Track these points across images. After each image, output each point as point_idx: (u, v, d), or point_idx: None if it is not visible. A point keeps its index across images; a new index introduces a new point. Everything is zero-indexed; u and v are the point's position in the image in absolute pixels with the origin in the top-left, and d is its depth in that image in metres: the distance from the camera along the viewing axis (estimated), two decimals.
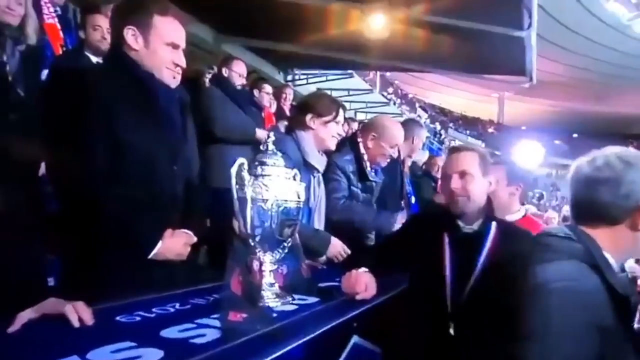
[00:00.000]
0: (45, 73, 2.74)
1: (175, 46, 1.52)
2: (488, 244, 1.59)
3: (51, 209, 1.97)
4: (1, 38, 1.68)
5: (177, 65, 1.53)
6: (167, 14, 1.51)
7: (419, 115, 20.19)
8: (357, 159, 2.42)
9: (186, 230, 1.51)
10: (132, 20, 1.48)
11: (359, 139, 2.47)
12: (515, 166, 2.27)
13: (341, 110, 2.18)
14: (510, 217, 2.07)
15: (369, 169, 2.44)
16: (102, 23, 2.80)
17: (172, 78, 1.54)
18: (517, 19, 4.97)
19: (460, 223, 1.62)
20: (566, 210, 8.14)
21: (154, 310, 1.20)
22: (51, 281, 1.57)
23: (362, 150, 2.44)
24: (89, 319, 1.05)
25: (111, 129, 1.39)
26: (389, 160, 2.52)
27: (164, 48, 1.50)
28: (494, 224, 1.63)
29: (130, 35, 1.47)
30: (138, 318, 1.14)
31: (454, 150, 1.76)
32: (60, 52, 3.16)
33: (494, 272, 1.29)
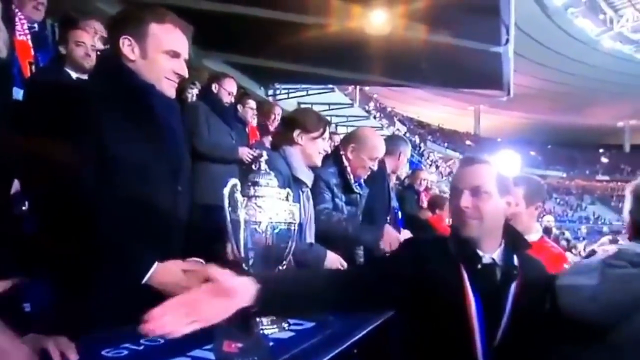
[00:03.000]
0: (17, 90, 2.65)
1: (175, 54, 1.43)
2: (516, 277, 1.31)
3: (26, 229, 1.87)
4: None
5: (178, 74, 1.44)
6: (165, 22, 1.42)
7: (397, 129, 20.42)
8: (340, 172, 2.40)
9: (197, 259, 1.37)
10: (127, 30, 1.40)
11: (341, 152, 2.46)
12: (534, 184, 2.16)
13: (328, 127, 2.18)
14: (528, 239, 2.04)
15: (352, 181, 2.42)
16: (85, 39, 2.73)
17: (172, 88, 1.45)
18: (494, 35, 5.08)
19: (480, 252, 1.31)
20: (547, 220, 8.28)
21: (142, 342, 1.13)
22: (27, 307, 1.48)
23: (345, 162, 2.43)
24: (73, 357, 0.97)
25: (102, 146, 1.28)
26: (369, 172, 2.48)
27: (162, 57, 1.41)
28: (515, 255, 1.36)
29: (126, 45, 1.39)
30: (125, 352, 1.07)
31: (466, 161, 1.45)
32: (29, 70, 3.06)
33: (531, 309, 1.25)
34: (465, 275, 1.28)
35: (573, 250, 8.34)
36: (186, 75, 1.46)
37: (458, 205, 1.33)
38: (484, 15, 4.74)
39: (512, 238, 1.38)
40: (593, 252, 5.28)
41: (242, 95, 4.26)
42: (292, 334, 1.23)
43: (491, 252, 1.33)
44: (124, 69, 1.39)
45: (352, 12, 4.96)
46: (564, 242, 8.69)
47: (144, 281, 1.25)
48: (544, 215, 8.55)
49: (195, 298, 0.91)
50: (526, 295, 1.29)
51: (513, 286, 1.30)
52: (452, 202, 1.40)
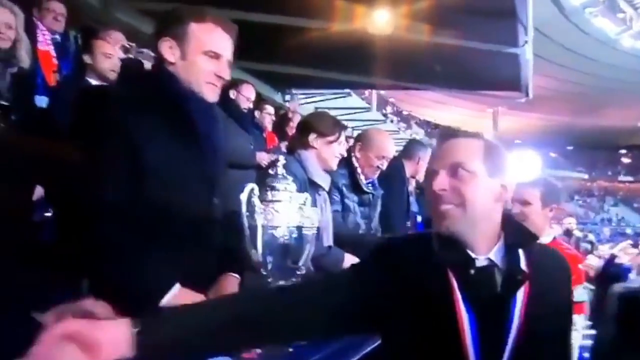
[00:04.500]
0: (40, 99, 2.70)
1: (216, 55, 1.33)
2: (522, 282, 0.99)
3: (48, 235, 1.89)
4: None
5: (219, 77, 1.34)
6: (205, 21, 1.33)
7: (415, 132, 20.30)
8: (350, 173, 2.39)
9: (234, 274, 1.32)
10: (168, 31, 1.32)
11: (351, 153, 2.46)
12: (550, 185, 2.11)
13: (343, 131, 2.17)
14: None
15: (363, 181, 2.40)
16: (112, 51, 2.77)
17: (213, 93, 1.35)
18: (512, 36, 5.00)
19: (470, 253, 0.99)
20: (568, 222, 8.08)
21: None
22: None
23: (355, 163, 2.41)
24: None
25: (136, 155, 1.22)
26: (378, 171, 2.46)
27: (201, 58, 1.32)
28: (521, 253, 1.03)
29: (167, 47, 1.31)
30: None
31: (443, 135, 1.17)
32: (53, 79, 3.12)
33: (549, 321, 0.98)
34: (455, 284, 0.97)
35: (594, 253, 8.11)
36: (228, 77, 1.37)
37: (432, 190, 1.02)
38: (502, 17, 4.67)
39: (514, 231, 1.06)
40: (614, 257, 5.12)
41: (260, 101, 4.27)
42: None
43: (486, 252, 1.01)
44: (163, 73, 1.32)
45: (367, 16, 4.93)
46: (587, 245, 8.46)
47: (161, 303, 1.18)
48: (564, 218, 8.35)
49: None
50: (541, 303, 0.99)
51: (520, 294, 0.98)
52: (426, 189, 1.08)
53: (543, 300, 1.00)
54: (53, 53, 3.35)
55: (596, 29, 24.74)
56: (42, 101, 2.79)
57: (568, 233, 7.26)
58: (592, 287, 4.50)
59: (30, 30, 2.94)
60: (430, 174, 1.04)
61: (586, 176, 37.56)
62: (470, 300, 0.96)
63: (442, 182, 1.01)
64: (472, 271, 0.98)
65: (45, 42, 3.33)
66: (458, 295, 0.96)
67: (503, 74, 5.92)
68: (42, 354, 0.68)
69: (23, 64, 2.05)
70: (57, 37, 3.44)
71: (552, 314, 1.01)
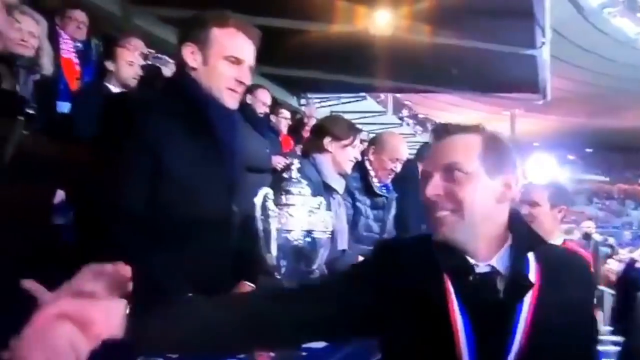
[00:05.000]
0: (62, 104, 2.76)
1: (237, 61, 1.32)
2: (527, 289, 0.91)
3: (67, 239, 1.92)
4: (15, 68, 1.67)
5: (240, 82, 1.33)
6: (228, 25, 1.31)
7: None
8: (362, 176, 2.38)
9: (249, 283, 1.31)
10: (190, 37, 1.31)
11: (364, 156, 2.45)
12: (558, 186, 2.12)
13: (358, 134, 2.16)
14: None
15: (376, 184, 2.37)
16: (135, 59, 2.82)
17: (233, 99, 1.34)
18: (529, 38, 4.93)
19: (469, 259, 0.92)
20: (587, 226, 7.89)
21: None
22: None
23: (368, 166, 2.40)
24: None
25: (157, 160, 1.22)
26: (392, 174, 2.44)
27: (222, 63, 1.30)
28: (531, 256, 0.93)
29: (189, 53, 1.31)
30: None
31: (437, 133, 1.02)
32: (76, 85, 3.19)
33: (562, 332, 0.87)
34: (452, 290, 0.90)
35: (615, 257, 7.91)
36: (249, 82, 1.36)
37: (425, 196, 0.94)
38: (519, 18, 4.61)
39: (521, 233, 0.96)
40: (634, 261, 4.99)
41: (275, 105, 4.30)
42: (325, 343, 1.19)
43: (489, 257, 0.93)
44: (184, 78, 1.32)
45: (384, 19, 4.91)
46: (606, 249, 8.26)
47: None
48: (583, 221, 8.17)
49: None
50: (553, 312, 0.89)
51: (526, 302, 0.89)
52: (421, 194, 0.98)
53: (556, 309, 0.90)
54: (76, 60, 3.43)
55: (615, 29, 24.22)
56: (65, 107, 2.86)
57: (587, 237, 7.10)
58: (613, 291, 4.40)
59: (54, 38, 3.01)
60: (424, 177, 0.97)
61: (606, 178, 36.75)
62: (468, 309, 0.89)
63: (435, 186, 0.93)
64: (471, 278, 0.91)
65: (68, 50, 3.41)
66: (454, 303, 0.89)
67: (520, 75, 5.85)
68: (37, 332, 0.68)
69: (46, 72, 2.09)
70: (79, 45, 3.52)
71: (568, 325, 0.90)
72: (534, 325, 0.88)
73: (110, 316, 0.75)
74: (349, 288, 0.96)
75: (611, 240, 9.36)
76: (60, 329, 0.69)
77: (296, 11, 4.78)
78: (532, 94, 6.68)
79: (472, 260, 0.93)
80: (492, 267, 0.93)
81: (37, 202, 1.43)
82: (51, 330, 0.69)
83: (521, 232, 0.97)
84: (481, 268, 0.93)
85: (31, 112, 1.53)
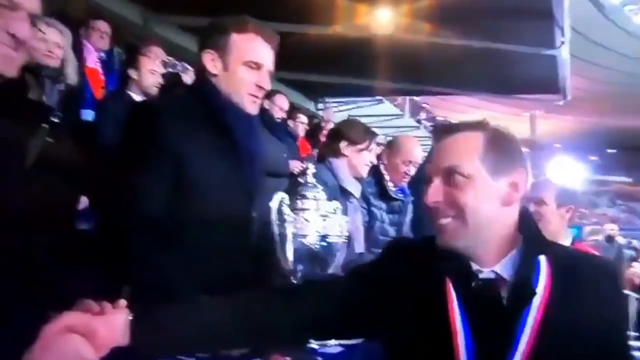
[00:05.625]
0: (85, 112, 2.83)
1: (257, 66, 1.31)
2: (535, 302, 0.84)
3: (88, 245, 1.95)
4: (41, 78, 1.71)
5: (260, 87, 1.32)
6: (247, 31, 1.30)
7: None
8: (377, 180, 2.36)
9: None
10: (210, 43, 1.31)
11: (379, 160, 2.43)
12: (566, 185, 2.05)
13: (374, 138, 2.15)
14: None
15: (391, 187, 2.35)
16: (157, 68, 2.88)
17: (253, 105, 1.34)
18: (548, 38, 4.84)
19: (473, 265, 0.88)
20: (610, 228, 7.69)
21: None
22: None
23: (383, 170, 2.38)
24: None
25: (179, 167, 1.23)
26: (406, 177, 2.39)
27: (242, 69, 1.30)
28: (543, 260, 0.88)
29: (209, 59, 1.31)
30: None
31: (437, 134, 0.97)
32: (102, 94, 3.26)
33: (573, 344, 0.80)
34: (454, 296, 0.86)
35: (639, 260, 7.68)
36: (269, 87, 1.35)
37: (425, 203, 0.90)
38: (538, 19, 4.53)
39: (530, 236, 0.89)
40: None
41: (293, 110, 4.32)
42: (341, 348, 1.18)
43: (494, 263, 0.87)
44: (205, 85, 1.32)
45: (396, 22, 4.88)
46: (630, 252, 8.02)
47: None
48: (606, 223, 7.96)
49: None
50: (566, 321, 0.83)
51: (533, 310, 0.83)
52: (423, 200, 0.94)
53: (571, 318, 0.83)
54: (100, 69, 3.51)
55: (637, 27, 23.60)
56: (90, 115, 2.92)
57: (610, 239, 6.91)
58: (638, 295, 4.27)
59: (78, 48, 3.09)
60: (426, 182, 0.91)
61: (629, 179, 35.73)
62: (469, 315, 0.85)
63: (435, 192, 0.88)
64: (473, 284, 0.86)
65: (93, 60, 3.49)
66: (455, 308, 0.85)
67: (540, 76, 5.76)
68: (46, 344, 0.71)
69: (71, 81, 2.14)
70: (103, 54, 3.60)
71: (587, 334, 0.83)
72: (542, 333, 0.82)
73: (113, 326, 0.78)
74: (354, 287, 0.94)
75: (635, 243, 9.08)
76: (67, 340, 0.72)
77: (312, 16, 4.79)
78: (552, 94, 6.57)
79: (476, 266, 0.88)
80: (496, 273, 0.87)
81: (60, 208, 1.46)
82: (59, 342, 0.71)
83: (531, 235, 0.90)
84: (485, 274, 0.88)
85: (55, 120, 1.56)
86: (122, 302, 0.82)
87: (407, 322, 0.89)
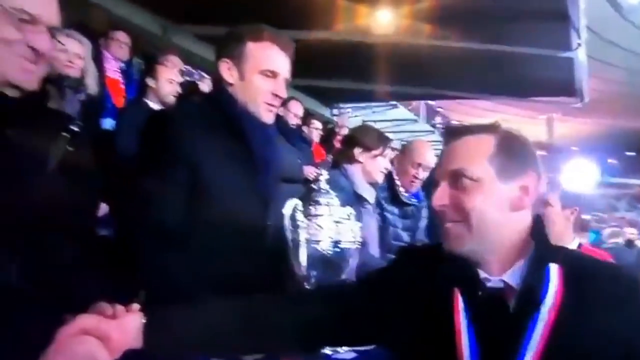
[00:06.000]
0: (106, 121, 2.88)
1: (272, 74, 1.31)
2: (544, 313, 0.81)
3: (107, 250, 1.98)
4: (62, 88, 1.75)
5: (276, 96, 1.32)
6: (262, 39, 1.30)
7: None
8: (390, 185, 2.33)
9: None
10: (227, 52, 1.31)
11: (392, 165, 2.39)
12: (569, 188, 2.00)
13: (388, 144, 2.14)
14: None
15: (403, 192, 2.31)
16: (175, 77, 2.92)
17: (269, 114, 1.33)
18: (564, 40, 4.76)
19: (482, 273, 0.85)
20: (630, 233, 7.47)
21: None
22: None
23: (394, 174, 2.35)
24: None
25: (194, 175, 1.23)
26: (417, 182, 2.32)
27: (258, 78, 1.29)
28: (554, 269, 0.84)
29: (226, 69, 1.31)
30: None
31: (447, 136, 0.96)
32: (122, 103, 3.32)
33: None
34: (461, 304, 0.84)
35: None
36: (285, 96, 1.34)
37: (432, 206, 0.87)
38: (553, 21, 4.46)
39: (542, 243, 0.85)
40: None
41: (307, 116, 4.33)
42: (354, 354, 1.17)
43: (502, 272, 0.84)
44: (221, 94, 1.32)
45: (410, 27, 4.86)
46: None
47: None
48: (625, 227, 7.75)
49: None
50: (578, 335, 0.79)
51: (542, 320, 0.80)
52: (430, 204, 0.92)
53: (585, 329, 0.79)
54: (120, 79, 3.58)
55: None
56: (112, 124, 2.97)
57: (630, 244, 6.73)
58: None
59: (99, 59, 3.15)
60: (433, 185, 0.88)
61: None
62: (475, 324, 0.82)
63: (441, 196, 0.85)
64: (480, 293, 0.83)
65: (113, 70, 3.56)
66: (461, 318, 0.82)
67: (556, 78, 5.66)
68: (61, 347, 0.72)
69: (91, 91, 2.18)
70: (123, 64, 3.67)
71: (602, 345, 0.79)
72: (551, 344, 0.78)
73: (126, 329, 0.79)
74: (365, 293, 0.93)
75: None
76: (82, 343, 0.73)
77: (326, 23, 4.80)
78: (569, 97, 6.46)
79: (484, 274, 0.84)
80: (504, 282, 0.84)
81: (79, 213, 1.48)
82: (74, 344, 0.73)
83: (541, 242, 0.86)
84: (493, 282, 0.84)
85: (75, 129, 1.59)
86: (135, 306, 0.83)
87: (414, 329, 0.87)
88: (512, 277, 0.83)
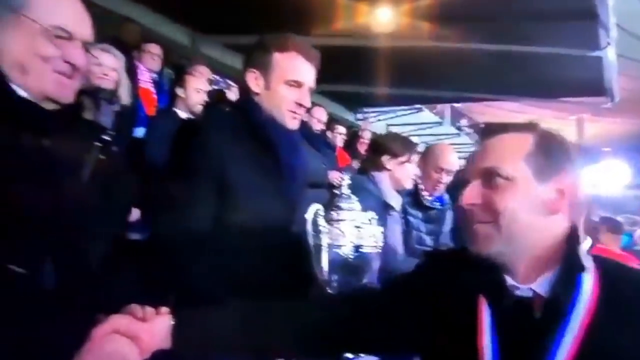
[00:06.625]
0: (138, 130, 2.96)
1: (297, 84, 1.32)
2: (574, 323, 0.75)
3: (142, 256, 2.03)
4: (97, 100, 1.81)
5: (300, 105, 1.33)
6: (288, 49, 1.31)
7: None
8: (414, 190, 2.29)
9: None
10: (253, 63, 1.34)
11: None
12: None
13: (415, 150, 2.12)
14: None
15: (426, 196, 2.28)
16: (203, 86, 2.98)
17: (293, 121, 1.35)
18: (593, 38, 4.62)
19: (510, 280, 0.80)
20: None
21: None
22: None
23: (418, 179, 2.31)
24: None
25: (222, 184, 1.25)
26: (440, 186, 2.28)
27: (283, 87, 1.31)
28: (588, 278, 0.78)
29: (253, 78, 1.33)
30: None
31: (483, 133, 0.97)
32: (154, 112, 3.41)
33: None
34: (485, 312, 0.80)
35: None
36: (308, 105, 1.36)
37: (460, 205, 0.82)
38: (581, 20, 4.34)
39: (573, 252, 0.78)
40: None
41: (331, 121, 4.33)
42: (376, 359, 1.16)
43: (532, 280, 0.78)
44: (248, 103, 1.34)
45: (436, 31, 4.80)
46: None
47: None
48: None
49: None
50: (611, 351, 0.73)
51: (570, 333, 0.74)
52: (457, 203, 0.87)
53: (617, 344, 0.73)
54: (152, 89, 3.69)
55: None
56: (142, 133, 3.06)
57: None
58: None
59: (132, 71, 3.25)
60: (463, 184, 0.83)
61: None
62: (499, 333, 0.77)
63: (472, 194, 0.80)
64: (506, 302, 0.78)
65: (145, 81, 3.67)
66: (485, 325, 0.78)
67: (586, 78, 5.51)
68: (94, 346, 0.74)
69: (124, 102, 2.25)
70: (155, 75, 3.78)
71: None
72: (580, 357, 0.74)
73: (156, 331, 0.80)
74: (389, 298, 0.91)
75: None
76: (114, 343, 0.75)
77: (351, 29, 4.80)
78: (599, 96, 6.26)
79: (511, 281, 0.79)
80: (534, 291, 0.78)
81: (112, 219, 1.53)
82: (105, 344, 0.75)
83: (574, 250, 0.79)
84: (522, 291, 0.78)
85: (107, 138, 1.64)
86: (165, 309, 0.85)
87: (437, 335, 0.84)
88: (541, 285, 0.78)
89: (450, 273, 0.86)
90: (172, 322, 0.83)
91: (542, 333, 0.76)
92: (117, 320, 0.78)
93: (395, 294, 0.91)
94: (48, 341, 0.74)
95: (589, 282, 0.78)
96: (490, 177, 0.80)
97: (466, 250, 0.85)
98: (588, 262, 0.79)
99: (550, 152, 0.80)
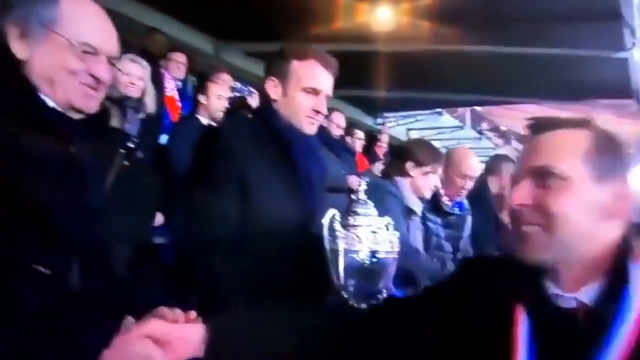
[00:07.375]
0: (164, 137, 3.02)
1: (314, 91, 1.35)
2: (621, 336, 0.69)
3: (165, 260, 2.07)
4: (124, 108, 1.85)
5: (317, 112, 1.35)
6: (307, 58, 1.34)
7: (515, 149, 18.67)
8: (434, 194, 2.24)
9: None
10: (273, 71, 1.37)
11: None
12: None
13: (441, 161, 2.07)
14: None
15: (446, 202, 2.25)
16: (224, 93, 3.03)
17: (311, 126, 1.37)
18: (618, 40, 4.48)
19: (553, 288, 0.75)
20: None
21: None
22: None
23: (438, 185, 2.27)
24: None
25: (245, 189, 1.26)
26: (462, 192, 2.25)
27: (300, 95, 1.34)
28: (636, 291, 0.71)
29: (272, 86, 1.36)
30: None
31: (535, 127, 0.80)
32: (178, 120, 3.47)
33: None
34: (523, 321, 0.74)
35: None
36: (325, 112, 1.39)
37: (510, 205, 0.75)
38: (606, 21, 4.22)
39: (623, 261, 0.72)
40: None
41: (350, 126, 4.33)
42: None
43: (577, 288, 0.72)
44: (267, 110, 1.37)
45: (457, 33, 4.72)
46: None
47: None
48: None
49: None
50: None
51: (616, 345, 0.68)
52: (506, 203, 0.83)
53: None
54: (177, 97, 3.76)
55: None
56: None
57: None
58: None
59: (158, 79, 3.32)
60: (512, 183, 0.77)
61: None
62: (537, 346, 0.71)
63: (522, 193, 0.73)
64: (548, 312, 0.72)
65: (171, 89, 3.75)
66: (522, 338, 0.72)
67: (610, 80, 5.36)
68: (121, 347, 0.74)
69: (150, 110, 2.30)
70: (179, 83, 3.85)
71: None
72: None
73: (189, 338, 0.79)
74: (424, 307, 0.87)
75: None
76: (141, 346, 0.75)
77: (366, 35, 4.78)
78: (625, 99, 6.07)
79: (554, 289, 0.73)
80: (579, 301, 0.72)
81: (136, 223, 1.56)
82: (133, 346, 0.75)
83: (626, 259, 0.72)
84: (565, 300, 0.73)
85: (131, 145, 1.68)
86: (193, 313, 0.84)
87: (471, 344, 0.78)
88: (587, 295, 0.72)
89: (487, 280, 0.81)
90: (205, 331, 0.80)
91: (586, 345, 0.70)
92: (150, 325, 0.78)
93: (429, 302, 0.88)
94: (73, 342, 0.75)
95: (636, 294, 0.72)
96: (543, 177, 0.73)
97: (508, 255, 0.80)
98: (637, 273, 0.73)
99: (609, 151, 0.74)
